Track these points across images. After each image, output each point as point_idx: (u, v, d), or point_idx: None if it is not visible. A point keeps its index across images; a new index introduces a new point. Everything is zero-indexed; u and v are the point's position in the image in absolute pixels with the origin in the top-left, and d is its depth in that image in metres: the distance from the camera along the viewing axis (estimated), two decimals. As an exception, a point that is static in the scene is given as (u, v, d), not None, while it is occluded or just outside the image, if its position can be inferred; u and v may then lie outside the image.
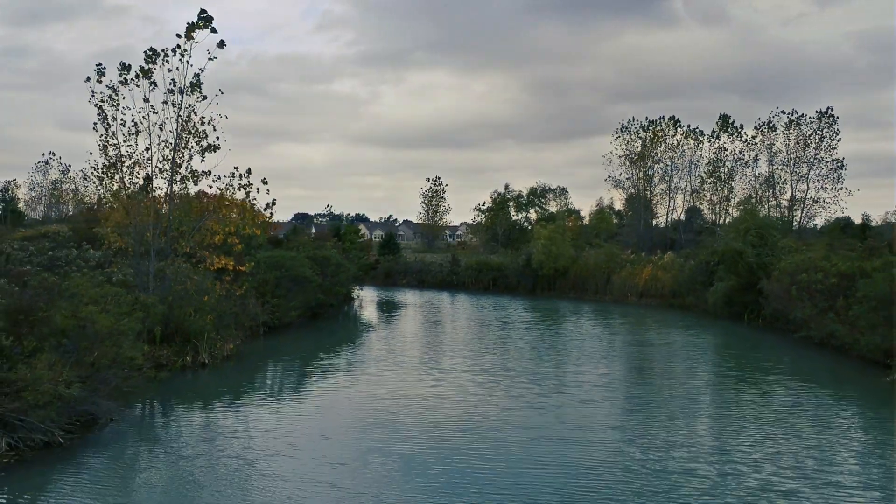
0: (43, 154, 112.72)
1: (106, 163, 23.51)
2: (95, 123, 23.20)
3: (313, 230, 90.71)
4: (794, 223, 63.60)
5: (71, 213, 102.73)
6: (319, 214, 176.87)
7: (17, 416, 14.27)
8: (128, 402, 17.28)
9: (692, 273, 41.92)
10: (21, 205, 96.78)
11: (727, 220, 67.17)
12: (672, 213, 76.50)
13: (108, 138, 23.30)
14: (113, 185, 23.84)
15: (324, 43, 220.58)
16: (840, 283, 26.09)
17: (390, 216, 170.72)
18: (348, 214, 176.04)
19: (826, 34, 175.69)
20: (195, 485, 12.36)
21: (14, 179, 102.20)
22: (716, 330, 34.14)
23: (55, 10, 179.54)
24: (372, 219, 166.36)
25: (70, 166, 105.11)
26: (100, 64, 23.07)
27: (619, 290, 47.41)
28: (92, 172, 23.89)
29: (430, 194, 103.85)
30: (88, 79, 23.11)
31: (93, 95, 23.30)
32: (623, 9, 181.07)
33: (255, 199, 25.86)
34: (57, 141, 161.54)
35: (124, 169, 23.60)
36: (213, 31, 23.36)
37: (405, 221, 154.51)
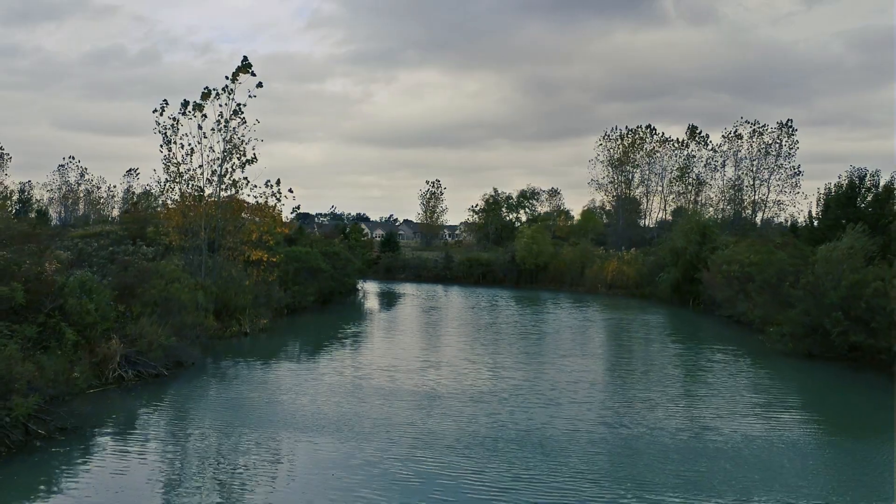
0: (64, 158, 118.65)
1: (168, 177, 30.15)
2: (161, 146, 29.83)
3: (315, 230, 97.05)
4: (749, 220, 70.12)
5: (81, 212, 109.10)
6: (321, 214, 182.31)
7: (137, 356, 20.91)
8: (202, 353, 23.89)
9: (651, 267, 48.57)
10: (35, 205, 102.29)
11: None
12: (650, 214, 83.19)
13: (171, 158, 29.93)
14: (174, 194, 30.43)
15: (314, 42, 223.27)
16: (751, 271, 32.64)
17: (391, 216, 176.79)
18: (349, 214, 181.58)
19: (816, 33, 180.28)
20: (247, 403, 18.93)
21: (29, 181, 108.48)
22: (661, 312, 40.87)
23: (44, 9, 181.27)
24: (373, 218, 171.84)
25: (86, 168, 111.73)
26: (164, 100, 29.69)
27: (590, 281, 54.16)
28: (157, 184, 30.42)
29: (427, 196, 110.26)
30: (156, 110, 29.77)
31: (157, 124, 29.94)
32: (612, 8, 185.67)
33: (283, 204, 32.52)
34: (53, 140, 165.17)
35: (182, 182, 30.21)
36: (253, 74, 30.00)
37: (405, 221, 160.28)
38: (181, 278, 26.43)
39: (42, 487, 12.11)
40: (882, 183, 30.28)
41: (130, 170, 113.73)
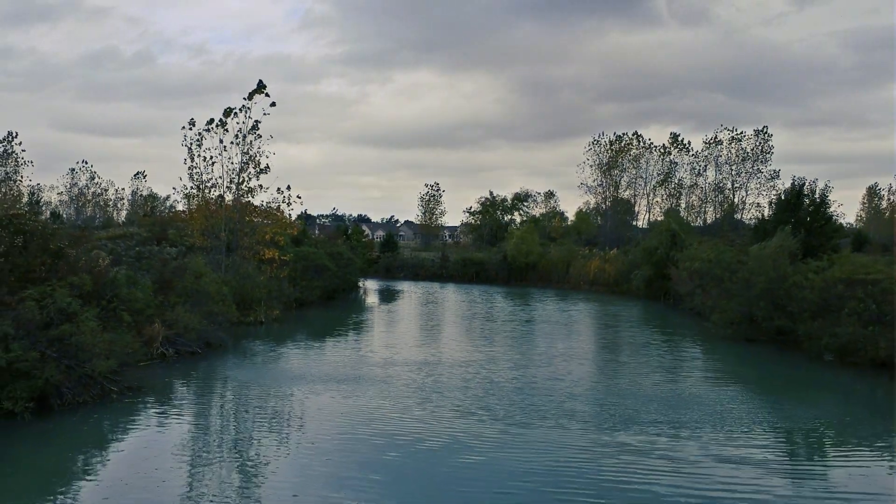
0: (77, 162, 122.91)
1: (192, 185, 34.49)
2: (186, 159, 34.22)
3: (317, 231, 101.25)
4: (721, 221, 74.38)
5: (89, 213, 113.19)
6: (322, 215, 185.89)
7: (175, 337, 25.19)
8: (230, 337, 28.17)
9: (628, 266, 52.82)
10: (44, 207, 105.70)
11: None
12: (639, 216, 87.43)
13: (195, 168, 34.28)
14: (198, 201, 34.72)
15: (307, 43, 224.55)
16: (706, 267, 36.83)
17: (392, 217, 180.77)
18: (350, 215, 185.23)
19: (810, 33, 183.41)
20: (267, 371, 23.24)
21: (39, 184, 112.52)
22: (632, 306, 45.17)
23: (37, 11, 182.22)
24: (374, 219, 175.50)
25: (96, 172, 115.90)
26: (192, 120, 34.06)
27: (575, 279, 58.48)
28: (182, 191, 34.77)
29: (426, 198, 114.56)
30: (184, 127, 34.19)
31: (185, 139, 34.30)
32: (604, 9, 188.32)
33: (292, 209, 36.86)
34: (52, 142, 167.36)
35: (206, 189, 34.54)
36: (267, 94, 34.32)
37: (406, 222, 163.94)
38: (207, 274, 30.70)
39: (122, 428, 16.35)
40: (818, 191, 34.63)
41: (138, 173, 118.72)
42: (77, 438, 15.14)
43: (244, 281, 34.62)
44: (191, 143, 34.40)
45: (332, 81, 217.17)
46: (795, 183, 35.56)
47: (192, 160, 34.57)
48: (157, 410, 17.71)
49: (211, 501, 11.39)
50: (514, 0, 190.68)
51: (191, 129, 34.42)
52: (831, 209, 34.02)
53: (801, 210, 34.05)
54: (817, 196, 34.51)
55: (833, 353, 23.91)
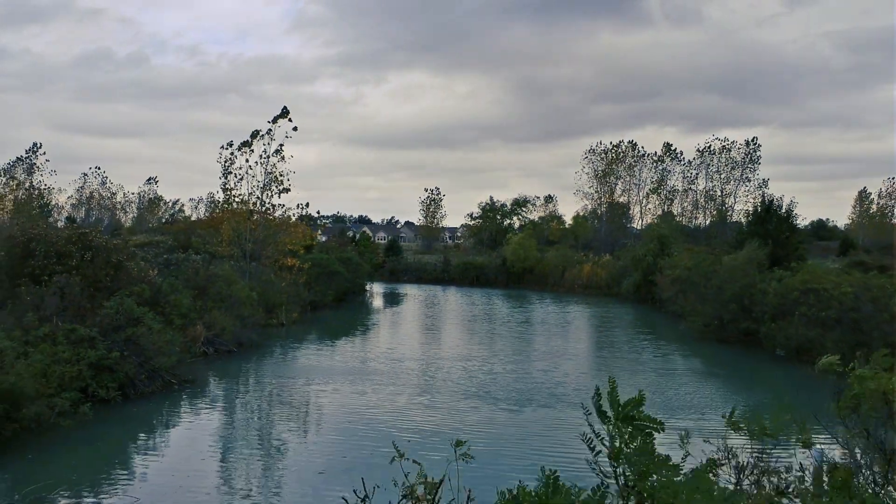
0: (90, 168, 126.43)
1: (224, 199, 38.09)
2: (220, 176, 37.86)
3: (320, 234, 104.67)
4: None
5: (95, 216, 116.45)
6: (324, 217, 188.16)
7: (214, 338, 28.79)
8: (259, 337, 31.78)
9: (620, 270, 56.46)
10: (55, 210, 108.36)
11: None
12: (634, 220, 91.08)
13: (227, 184, 37.92)
14: (226, 214, 38.34)
15: (301, 44, 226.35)
16: (685, 274, 40.41)
17: (392, 217, 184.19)
18: (351, 216, 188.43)
19: (803, 34, 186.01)
20: (292, 365, 26.85)
21: (48, 187, 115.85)
22: (620, 309, 48.83)
23: (28, 12, 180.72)
24: (375, 220, 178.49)
25: (108, 177, 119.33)
26: (230, 142, 37.75)
27: (569, 283, 62.11)
28: (215, 205, 38.37)
29: (427, 202, 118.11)
30: (222, 146, 37.91)
31: (220, 156, 38.00)
32: (596, 10, 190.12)
33: (310, 218, 40.39)
34: (49, 143, 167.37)
35: (234, 203, 38.16)
36: (290, 120, 37.94)
37: (407, 223, 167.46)
38: (237, 281, 34.31)
39: (185, 413, 19.98)
40: (785, 207, 38.51)
41: (150, 179, 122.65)
42: (154, 420, 18.76)
43: (267, 287, 38.23)
44: (225, 162, 38.07)
45: (328, 82, 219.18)
46: (765, 199, 39.25)
47: (226, 177, 38.25)
48: (209, 399, 21.35)
49: (260, 472, 15.02)
50: (507, 1, 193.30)
51: (227, 148, 38.14)
52: (797, 222, 37.68)
53: (770, 224, 37.69)
54: (784, 211, 38.23)
55: (786, 351, 27.51)
